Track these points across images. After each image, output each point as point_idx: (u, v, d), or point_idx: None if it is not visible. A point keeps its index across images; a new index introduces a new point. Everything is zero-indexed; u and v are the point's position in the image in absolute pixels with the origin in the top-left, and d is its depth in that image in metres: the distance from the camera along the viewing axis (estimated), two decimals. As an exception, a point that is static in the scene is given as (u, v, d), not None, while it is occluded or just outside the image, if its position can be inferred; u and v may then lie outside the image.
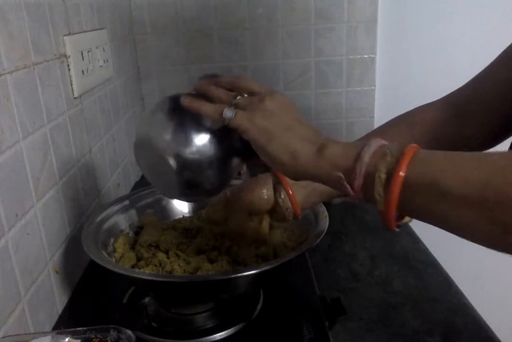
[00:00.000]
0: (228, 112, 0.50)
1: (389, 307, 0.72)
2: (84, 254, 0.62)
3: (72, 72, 0.76)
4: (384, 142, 0.44)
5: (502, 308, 1.23)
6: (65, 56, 0.74)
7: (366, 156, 0.42)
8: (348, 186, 0.44)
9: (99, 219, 0.71)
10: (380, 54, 1.29)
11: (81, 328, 0.49)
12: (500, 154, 0.38)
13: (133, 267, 0.68)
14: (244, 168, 0.62)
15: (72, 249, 0.73)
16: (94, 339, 0.48)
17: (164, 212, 0.80)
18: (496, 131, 0.66)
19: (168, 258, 0.68)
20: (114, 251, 0.70)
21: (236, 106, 0.51)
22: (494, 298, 1.27)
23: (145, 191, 0.80)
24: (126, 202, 0.77)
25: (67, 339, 0.48)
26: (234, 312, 0.66)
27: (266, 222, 0.68)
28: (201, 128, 0.52)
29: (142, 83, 1.28)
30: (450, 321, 0.69)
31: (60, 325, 0.66)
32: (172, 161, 0.52)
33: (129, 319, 0.65)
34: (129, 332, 0.49)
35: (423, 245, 0.91)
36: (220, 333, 0.63)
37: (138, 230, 0.76)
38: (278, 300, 0.69)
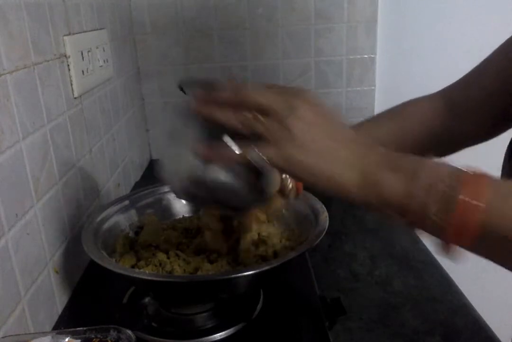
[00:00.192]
0: (253, 154, 0.43)
1: (389, 307, 0.72)
2: (84, 254, 0.62)
3: (72, 72, 0.76)
4: (440, 166, 0.40)
5: (502, 308, 1.23)
6: (65, 56, 0.74)
7: (422, 192, 0.38)
8: (400, 216, 0.40)
9: (99, 219, 0.71)
10: (380, 54, 1.29)
11: (81, 328, 0.49)
12: None
13: (133, 267, 0.68)
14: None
15: (72, 249, 0.73)
16: (94, 339, 0.48)
17: (164, 212, 0.80)
18: (489, 125, 0.66)
19: (168, 258, 0.68)
20: (114, 251, 0.70)
21: (254, 135, 0.43)
22: (494, 298, 1.27)
23: (145, 191, 0.80)
24: (126, 202, 0.77)
25: (67, 339, 0.48)
26: (234, 312, 0.66)
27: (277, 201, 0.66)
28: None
29: (142, 83, 1.28)
30: (450, 321, 0.69)
31: (60, 325, 0.66)
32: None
33: (129, 319, 0.65)
34: (129, 332, 0.49)
35: (423, 245, 0.91)
36: (220, 333, 0.63)
37: (138, 230, 0.76)
38: (278, 300, 0.69)
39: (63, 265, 0.70)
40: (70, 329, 0.49)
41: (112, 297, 0.72)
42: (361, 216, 1.04)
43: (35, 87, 0.64)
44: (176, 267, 0.65)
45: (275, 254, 0.69)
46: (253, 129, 0.43)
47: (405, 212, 0.39)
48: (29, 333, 0.58)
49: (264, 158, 0.43)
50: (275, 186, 0.53)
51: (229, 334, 0.63)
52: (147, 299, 0.69)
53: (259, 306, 0.68)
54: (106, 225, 0.72)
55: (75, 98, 0.78)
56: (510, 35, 0.63)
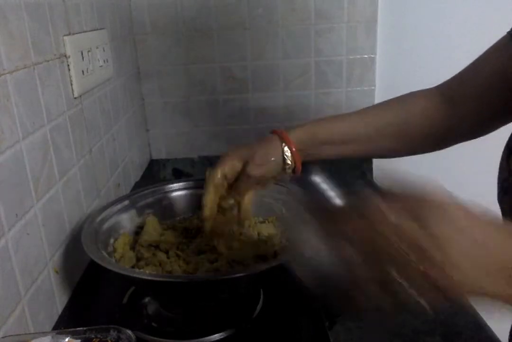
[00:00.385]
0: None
1: (389, 307, 0.72)
2: (84, 254, 0.62)
3: (72, 72, 0.76)
4: None
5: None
6: (65, 56, 0.74)
7: None
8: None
9: (99, 219, 0.71)
10: (380, 54, 1.29)
11: (81, 328, 0.49)
12: None
13: (133, 267, 0.68)
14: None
15: (72, 249, 0.73)
16: (94, 339, 0.48)
17: (164, 212, 0.80)
18: (484, 120, 0.67)
19: (168, 258, 0.68)
20: (114, 251, 0.70)
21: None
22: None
23: (145, 191, 0.80)
24: (126, 202, 0.77)
25: (67, 339, 0.48)
26: (234, 312, 0.66)
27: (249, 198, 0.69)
28: None
29: (142, 83, 1.28)
30: (450, 321, 0.69)
31: (60, 325, 0.66)
32: None
33: (129, 319, 0.65)
34: (129, 332, 0.49)
35: (423, 245, 0.91)
36: (220, 333, 0.63)
37: (138, 230, 0.76)
38: (278, 300, 0.69)
39: (63, 265, 0.70)
40: (70, 329, 0.49)
41: (112, 297, 0.72)
42: (361, 216, 1.04)
43: (35, 87, 0.64)
44: (176, 267, 0.65)
45: (275, 254, 0.69)
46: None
47: None
48: (29, 333, 0.58)
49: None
50: None
51: (229, 334, 0.63)
52: (147, 299, 0.69)
53: (259, 306, 0.68)
54: (106, 225, 0.72)
55: (75, 98, 0.78)
56: (505, 34, 0.63)
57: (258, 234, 0.74)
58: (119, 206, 0.76)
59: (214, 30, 1.24)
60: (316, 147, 0.71)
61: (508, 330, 0.66)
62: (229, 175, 0.68)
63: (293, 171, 0.70)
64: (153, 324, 0.65)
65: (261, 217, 0.78)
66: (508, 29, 0.63)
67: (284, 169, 0.69)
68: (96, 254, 0.62)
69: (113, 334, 0.48)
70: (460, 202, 0.37)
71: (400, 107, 0.72)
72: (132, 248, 0.72)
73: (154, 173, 1.35)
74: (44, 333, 0.49)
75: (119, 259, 0.69)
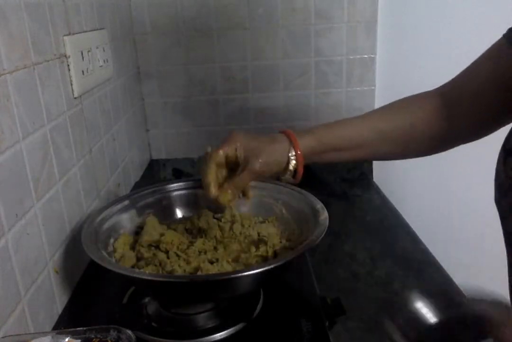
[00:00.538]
0: None
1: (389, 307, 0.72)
2: (84, 254, 0.62)
3: (72, 72, 0.76)
4: None
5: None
6: (65, 56, 0.74)
7: None
8: None
9: (99, 219, 0.71)
10: (380, 54, 1.29)
11: (81, 328, 0.49)
12: None
13: (133, 267, 0.68)
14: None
15: (72, 249, 0.73)
16: (94, 339, 0.48)
17: (164, 212, 0.80)
18: (482, 121, 0.68)
19: (168, 258, 0.68)
20: (114, 251, 0.70)
21: None
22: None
23: (145, 191, 0.80)
24: (126, 202, 0.77)
25: (67, 339, 0.48)
26: (234, 312, 0.66)
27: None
28: None
29: (142, 83, 1.28)
30: (450, 321, 0.68)
31: (60, 325, 0.66)
32: None
33: (129, 319, 0.65)
34: (129, 332, 0.49)
35: (423, 245, 0.91)
36: (220, 333, 0.63)
37: (138, 230, 0.76)
38: (278, 300, 0.69)
39: (63, 265, 0.70)
40: (70, 329, 0.49)
41: (112, 297, 0.72)
42: (361, 216, 1.04)
43: (35, 87, 0.64)
44: (176, 267, 0.65)
45: (275, 254, 0.69)
46: None
47: None
48: (29, 333, 0.58)
49: None
50: None
51: (229, 334, 0.63)
52: (147, 299, 0.69)
53: (259, 306, 0.68)
54: (106, 225, 0.72)
55: (75, 98, 0.78)
56: (499, 38, 0.63)
57: (258, 234, 0.74)
58: (119, 206, 0.76)
59: (214, 30, 1.24)
60: (322, 153, 0.72)
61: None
62: (229, 158, 0.69)
63: (294, 172, 0.70)
64: (153, 324, 0.65)
65: (261, 217, 0.78)
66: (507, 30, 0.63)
67: (285, 170, 0.70)
68: (96, 254, 0.62)
69: (113, 334, 0.48)
70: None
71: (405, 111, 0.72)
72: (132, 248, 0.72)
73: (154, 173, 1.35)
74: (44, 333, 0.49)
75: (119, 259, 0.69)
